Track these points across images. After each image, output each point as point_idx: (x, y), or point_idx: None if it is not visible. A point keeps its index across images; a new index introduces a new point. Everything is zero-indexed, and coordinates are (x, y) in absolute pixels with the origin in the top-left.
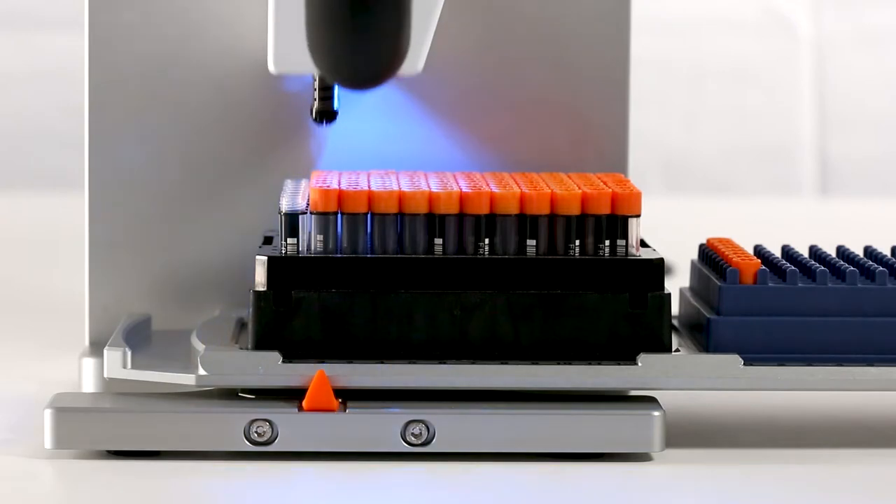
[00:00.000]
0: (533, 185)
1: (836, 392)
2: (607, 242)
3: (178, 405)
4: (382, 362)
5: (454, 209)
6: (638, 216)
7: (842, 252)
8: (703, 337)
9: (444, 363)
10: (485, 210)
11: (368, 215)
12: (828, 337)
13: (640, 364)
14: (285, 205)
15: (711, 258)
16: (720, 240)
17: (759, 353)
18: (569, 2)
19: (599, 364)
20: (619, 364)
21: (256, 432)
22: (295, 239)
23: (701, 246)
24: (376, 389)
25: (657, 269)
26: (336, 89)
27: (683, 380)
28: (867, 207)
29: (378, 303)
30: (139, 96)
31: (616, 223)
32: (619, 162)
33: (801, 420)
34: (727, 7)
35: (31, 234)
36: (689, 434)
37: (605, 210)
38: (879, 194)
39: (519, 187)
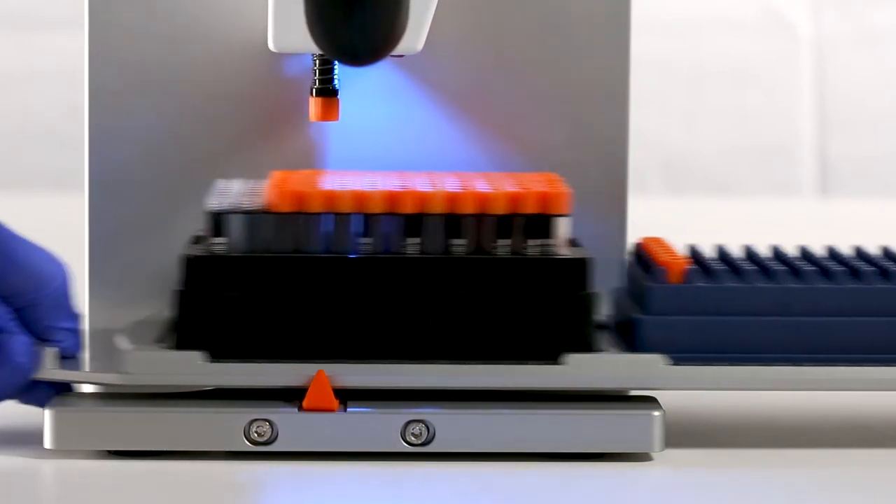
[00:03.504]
0: (463, 184)
1: (835, 392)
2: (535, 241)
3: (178, 405)
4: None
5: (381, 208)
6: (565, 215)
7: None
8: (633, 336)
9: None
10: (412, 209)
11: (302, 215)
12: (757, 336)
13: (563, 363)
14: (212, 203)
15: (643, 258)
16: (653, 239)
17: (688, 352)
18: (569, 2)
19: (523, 363)
20: (542, 363)
21: (256, 432)
22: (221, 238)
23: (634, 245)
24: (376, 389)
25: (583, 268)
26: (336, 70)
27: (606, 379)
28: (867, 207)
29: (303, 302)
30: (139, 96)
31: (543, 222)
32: (619, 162)
33: (801, 420)
34: (727, 7)
35: (31, 234)
36: (689, 434)
37: (532, 209)
38: (879, 194)
39: (448, 187)
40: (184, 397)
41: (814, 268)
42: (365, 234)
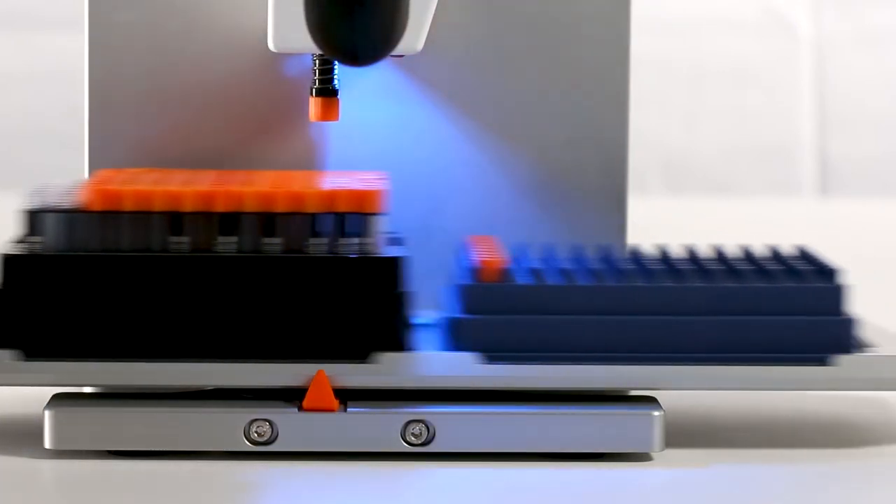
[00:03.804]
0: (279, 183)
1: (834, 392)
2: (349, 240)
3: (178, 405)
4: (382, 362)
5: (194, 207)
6: (379, 214)
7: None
8: (451, 335)
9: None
10: (225, 208)
11: (114, 214)
12: (573, 335)
13: (373, 362)
14: (30, 202)
15: (466, 256)
16: (480, 238)
17: (504, 351)
18: (569, 2)
19: (333, 362)
20: (352, 362)
21: (256, 432)
22: (37, 237)
23: (461, 244)
24: (376, 389)
25: (395, 267)
26: (336, 70)
27: (416, 378)
28: (867, 207)
29: (116, 301)
30: (139, 96)
31: (357, 221)
32: (619, 162)
33: (801, 420)
34: (727, 7)
35: None
36: (689, 434)
37: (346, 208)
38: (879, 194)
39: (262, 185)
40: (184, 397)
41: (634, 267)
42: (179, 233)
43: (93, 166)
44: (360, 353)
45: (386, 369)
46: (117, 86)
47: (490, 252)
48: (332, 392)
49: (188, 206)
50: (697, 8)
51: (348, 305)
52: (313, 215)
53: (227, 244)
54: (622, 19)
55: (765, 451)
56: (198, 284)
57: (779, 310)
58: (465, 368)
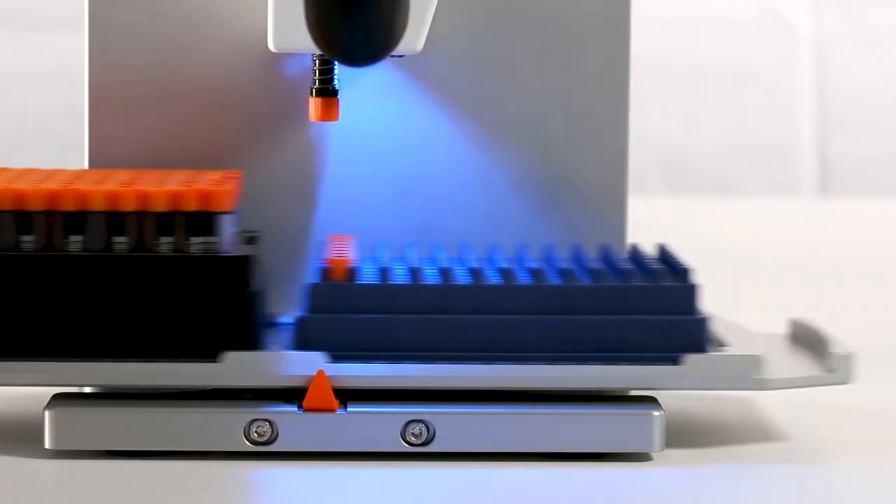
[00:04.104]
0: (128, 181)
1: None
2: (197, 239)
3: (177, 405)
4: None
5: (41, 206)
6: (228, 213)
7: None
8: (297, 335)
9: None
10: (73, 207)
11: None
12: (415, 335)
13: (222, 361)
14: None
15: (319, 255)
16: (337, 237)
17: (348, 350)
18: (569, 2)
19: (181, 361)
20: (200, 361)
21: (256, 432)
22: None
23: (320, 242)
24: (376, 389)
25: (244, 266)
26: (336, 70)
27: (261, 377)
28: (867, 207)
29: None
30: (139, 96)
31: (205, 220)
32: (619, 162)
33: (801, 420)
34: (727, 7)
35: None
36: (689, 434)
37: (194, 207)
38: (879, 194)
39: (111, 185)
40: (184, 397)
41: (486, 266)
42: (27, 232)
43: (93, 166)
44: (208, 353)
45: (231, 369)
46: (117, 86)
47: (340, 251)
48: (332, 392)
49: (35, 205)
50: (697, 8)
51: (196, 305)
52: (162, 214)
53: (75, 243)
54: (622, 19)
55: (766, 451)
56: (45, 283)
57: (631, 309)
58: (307, 367)
